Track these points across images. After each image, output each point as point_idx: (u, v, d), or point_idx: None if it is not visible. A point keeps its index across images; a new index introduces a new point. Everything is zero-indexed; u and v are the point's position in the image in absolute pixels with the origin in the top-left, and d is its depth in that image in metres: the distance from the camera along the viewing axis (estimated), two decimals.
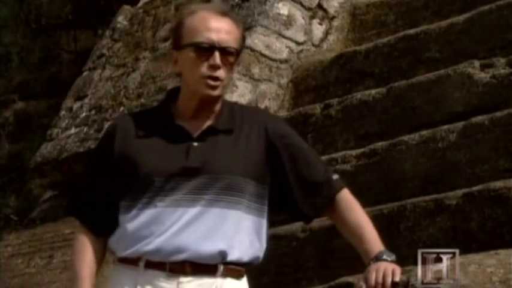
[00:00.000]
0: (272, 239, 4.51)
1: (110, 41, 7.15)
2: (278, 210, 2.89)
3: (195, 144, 2.71)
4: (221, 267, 2.67)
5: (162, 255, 2.65)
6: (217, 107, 2.77)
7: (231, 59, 2.73)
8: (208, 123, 2.75)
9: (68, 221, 6.10)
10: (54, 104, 7.97)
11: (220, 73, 2.71)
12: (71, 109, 6.92)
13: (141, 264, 2.67)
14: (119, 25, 7.17)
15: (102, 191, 2.76)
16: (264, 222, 2.77)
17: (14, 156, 8.71)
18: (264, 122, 2.80)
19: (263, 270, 4.33)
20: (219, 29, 2.72)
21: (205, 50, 2.71)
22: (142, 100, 6.34)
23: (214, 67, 2.70)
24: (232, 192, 2.68)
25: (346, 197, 2.81)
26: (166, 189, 2.67)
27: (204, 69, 2.70)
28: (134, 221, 2.68)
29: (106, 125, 6.39)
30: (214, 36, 2.71)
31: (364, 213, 2.78)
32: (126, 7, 7.33)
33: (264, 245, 2.78)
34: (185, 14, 2.79)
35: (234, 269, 2.69)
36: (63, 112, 6.97)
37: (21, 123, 9.01)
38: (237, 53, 2.76)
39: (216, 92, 2.72)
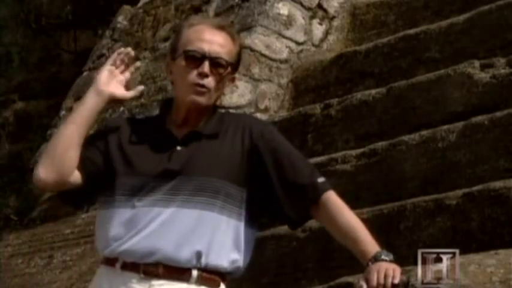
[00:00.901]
0: (272, 239, 4.55)
1: (110, 41, 7.15)
2: (266, 216, 2.89)
3: (179, 148, 2.75)
4: (195, 273, 2.66)
5: (136, 256, 2.67)
6: (207, 115, 2.81)
7: (221, 70, 2.77)
8: (195, 129, 2.79)
9: (68, 221, 6.11)
10: (54, 104, 7.97)
11: (208, 82, 2.75)
12: (71, 109, 6.92)
13: (118, 265, 2.69)
14: (119, 25, 7.17)
15: (88, 165, 2.76)
16: (242, 226, 2.75)
17: (14, 156, 8.71)
18: (249, 125, 2.82)
19: (263, 270, 4.33)
20: (212, 41, 2.78)
21: (196, 58, 2.76)
22: (142, 100, 6.34)
23: (202, 75, 2.75)
24: (205, 193, 2.69)
25: (332, 199, 2.77)
26: (146, 189, 2.70)
27: (192, 76, 2.75)
28: (112, 220, 2.71)
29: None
30: (206, 47, 2.76)
31: (353, 214, 2.77)
32: (126, 7, 7.34)
33: (243, 251, 2.76)
34: (184, 26, 2.87)
35: (209, 278, 2.68)
36: (63, 112, 6.98)
37: (21, 123, 9.01)
38: (229, 66, 2.79)
39: (202, 99, 2.76)
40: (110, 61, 2.81)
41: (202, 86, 2.75)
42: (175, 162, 2.72)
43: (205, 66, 2.74)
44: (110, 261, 2.71)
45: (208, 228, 2.68)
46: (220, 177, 2.71)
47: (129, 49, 2.82)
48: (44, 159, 2.74)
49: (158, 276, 2.66)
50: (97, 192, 2.79)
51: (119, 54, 2.81)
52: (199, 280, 2.67)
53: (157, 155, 2.75)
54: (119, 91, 2.79)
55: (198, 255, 2.66)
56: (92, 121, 2.77)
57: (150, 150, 2.76)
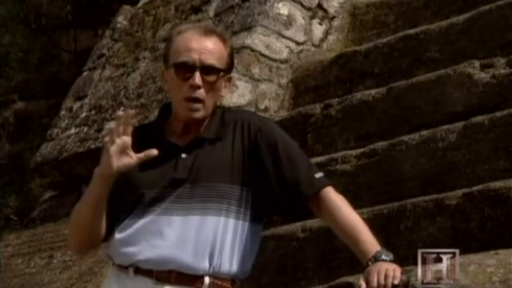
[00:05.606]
0: (272, 239, 4.54)
1: (110, 41, 7.15)
2: (267, 212, 2.89)
3: (183, 155, 2.75)
4: (207, 280, 2.68)
5: (150, 265, 2.68)
6: (206, 121, 2.80)
7: (213, 78, 2.75)
8: (197, 134, 2.79)
9: (68, 221, 6.10)
10: (54, 104, 7.98)
11: (200, 93, 2.74)
12: (71, 109, 6.92)
13: (131, 269, 2.70)
14: (119, 25, 7.17)
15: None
16: (249, 227, 2.76)
17: (14, 156, 8.72)
18: (247, 123, 2.81)
19: (263, 270, 4.33)
20: (202, 49, 2.74)
21: (186, 70, 2.74)
22: (142, 100, 6.34)
23: (194, 87, 2.73)
24: (213, 199, 2.70)
25: (331, 195, 2.77)
26: (155, 201, 2.71)
27: (184, 90, 2.74)
28: (125, 231, 2.72)
29: (106, 125, 6.40)
30: (196, 56, 2.74)
31: (353, 211, 2.76)
32: (126, 7, 7.34)
33: (250, 253, 2.77)
34: (174, 33, 2.83)
35: (220, 285, 2.70)
36: (63, 112, 6.98)
37: (21, 123, 9.02)
38: (221, 71, 2.77)
39: (198, 114, 2.75)
40: (112, 133, 2.64)
41: (196, 99, 2.73)
42: (181, 171, 2.72)
43: (197, 78, 2.72)
44: (123, 266, 2.73)
45: (219, 235, 2.69)
46: (226, 181, 2.72)
47: (130, 111, 2.66)
48: (72, 238, 2.93)
49: (170, 283, 2.67)
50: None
51: (118, 119, 2.65)
52: (211, 287, 2.68)
53: (162, 167, 2.74)
54: (124, 162, 2.65)
55: (211, 262, 2.68)
56: (105, 198, 2.73)
57: (154, 163, 2.73)
